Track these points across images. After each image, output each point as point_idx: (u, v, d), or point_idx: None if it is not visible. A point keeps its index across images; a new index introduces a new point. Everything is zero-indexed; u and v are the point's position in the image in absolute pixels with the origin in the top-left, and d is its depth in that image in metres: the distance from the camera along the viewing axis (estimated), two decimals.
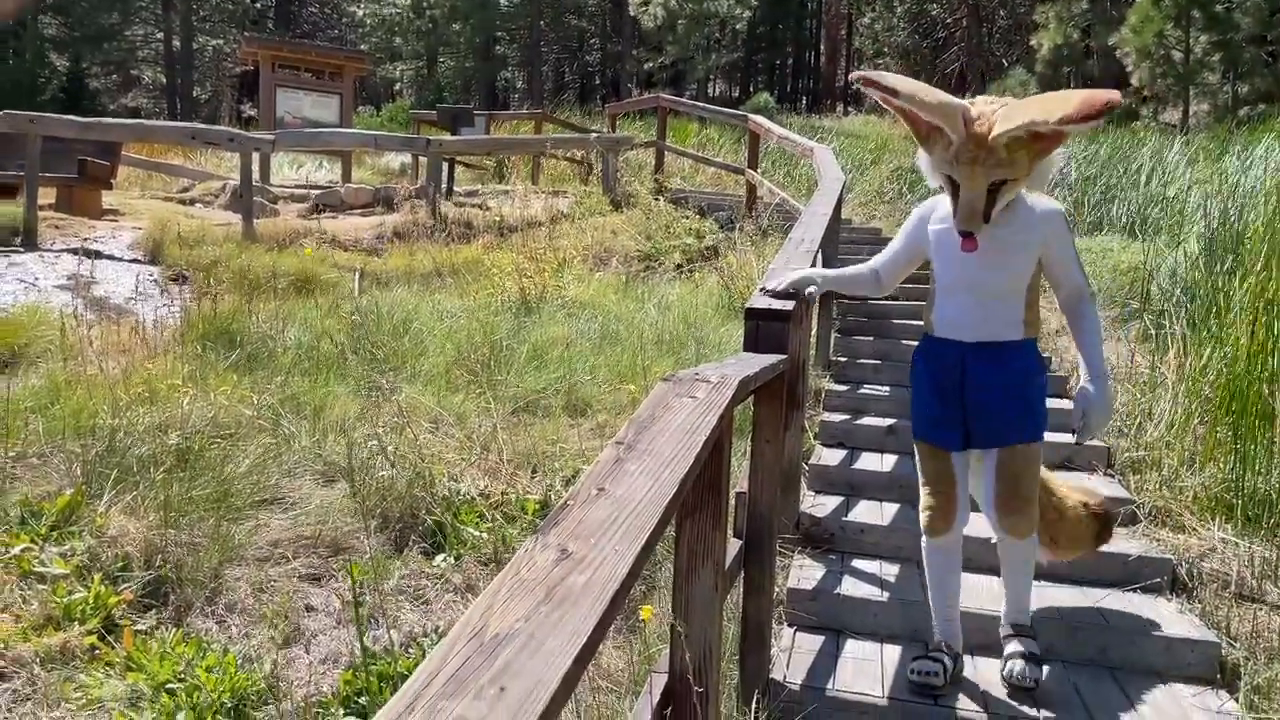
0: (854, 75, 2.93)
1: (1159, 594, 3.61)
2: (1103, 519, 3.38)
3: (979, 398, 2.84)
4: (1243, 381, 4.73)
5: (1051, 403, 3.30)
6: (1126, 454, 4.74)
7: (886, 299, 7.61)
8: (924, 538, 3.02)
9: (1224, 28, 20.85)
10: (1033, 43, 25.35)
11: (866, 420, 5.23)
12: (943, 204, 2.91)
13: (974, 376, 2.83)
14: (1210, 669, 3.15)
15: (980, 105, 2.73)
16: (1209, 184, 9.84)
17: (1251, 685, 3.04)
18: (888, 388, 5.69)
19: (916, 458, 3.04)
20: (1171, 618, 3.40)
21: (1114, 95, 2.47)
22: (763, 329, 3.09)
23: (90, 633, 3.16)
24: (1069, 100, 2.50)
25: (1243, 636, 3.28)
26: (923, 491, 3.00)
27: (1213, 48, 21.67)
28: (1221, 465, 4.31)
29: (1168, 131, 17.31)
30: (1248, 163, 10.72)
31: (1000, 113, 2.64)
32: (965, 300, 2.84)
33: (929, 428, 2.97)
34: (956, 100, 2.72)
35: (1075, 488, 3.46)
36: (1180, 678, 3.15)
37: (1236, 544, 3.84)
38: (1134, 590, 3.62)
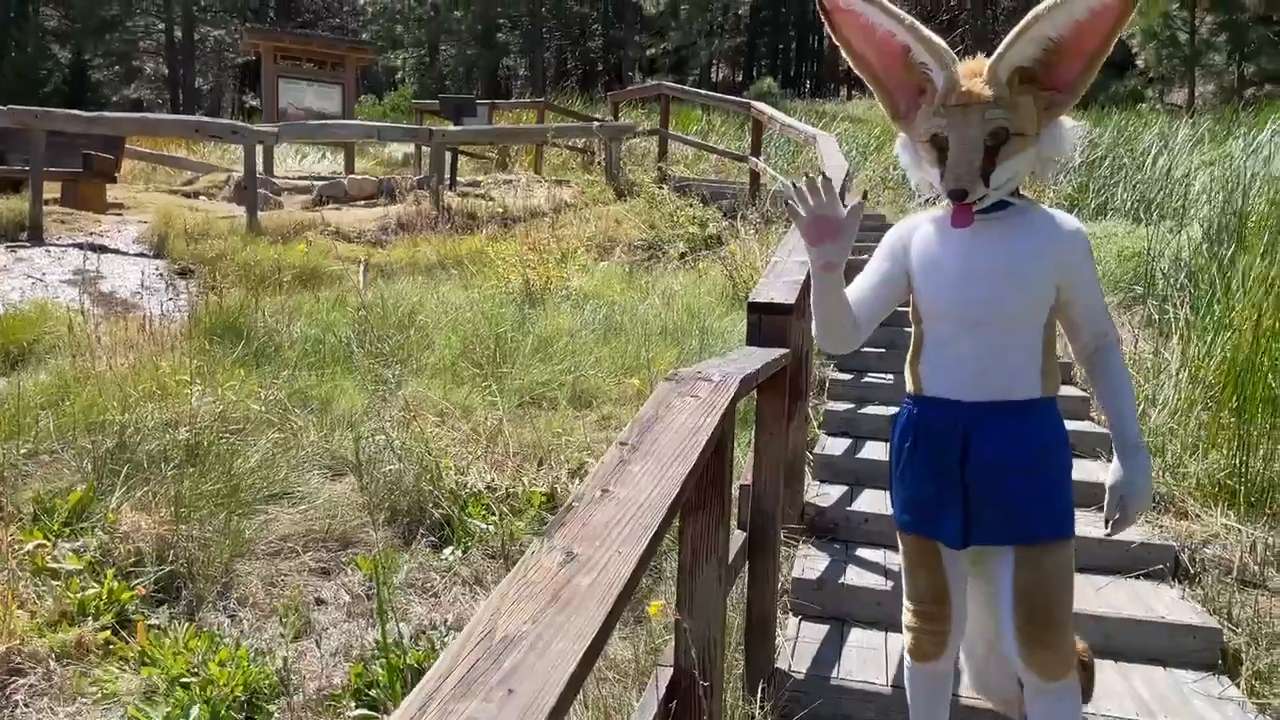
0: None
1: (1161, 580, 3.64)
2: (1087, 667, 2.49)
3: (986, 479, 2.10)
4: (1246, 367, 4.75)
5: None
6: None
7: None
8: (906, 658, 2.38)
9: (1230, 8, 20.75)
10: None
11: (870, 409, 5.25)
12: (924, 219, 2.23)
13: (979, 451, 2.09)
14: (1212, 655, 3.18)
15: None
16: (1214, 167, 9.83)
17: (1253, 671, 3.07)
18: (891, 375, 5.71)
19: (900, 557, 2.33)
20: (1174, 604, 3.42)
21: None
22: (765, 323, 3.10)
23: (104, 628, 3.20)
24: None
25: (1244, 622, 3.31)
26: (906, 604, 2.31)
27: (1219, 28, 21.58)
28: (1224, 451, 4.33)
29: (1174, 113, 17.25)
30: (1253, 145, 10.69)
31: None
32: (963, 340, 2.10)
33: (916, 515, 2.22)
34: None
35: None
36: (1182, 664, 3.17)
37: (1239, 530, 3.86)
38: (1136, 577, 3.65)
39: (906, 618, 2.32)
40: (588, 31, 43.30)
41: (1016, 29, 1.97)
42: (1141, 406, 4.95)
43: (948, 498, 2.14)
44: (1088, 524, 3.19)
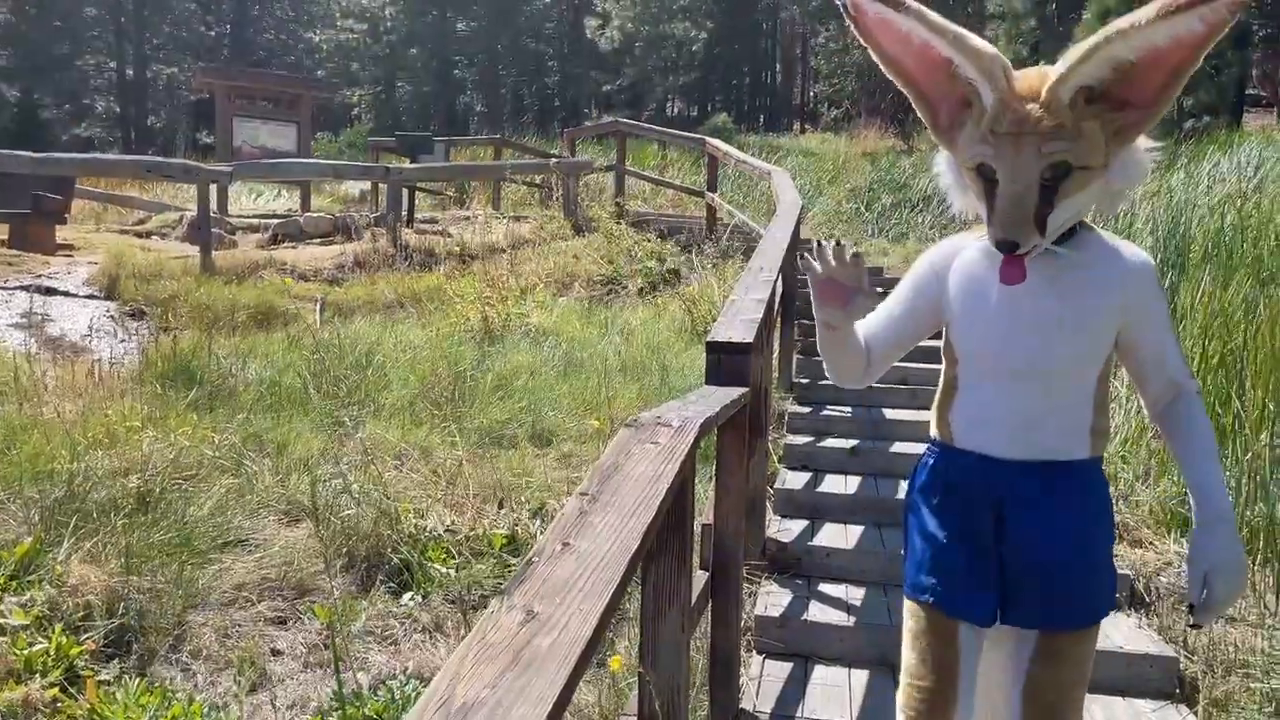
0: None
1: (1118, 610, 3.68)
2: None
3: (1026, 552, 1.81)
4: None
5: None
6: None
7: None
8: None
9: None
10: None
11: (830, 442, 5.29)
12: (969, 242, 1.90)
13: (1019, 519, 1.81)
14: (1170, 684, 3.22)
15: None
16: (1158, 198, 10.07)
17: (1210, 699, 3.11)
18: (850, 408, 5.75)
19: (904, 625, 1.97)
20: (1131, 634, 3.47)
21: None
22: (724, 362, 3.12)
23: (52, 685, 3.11)
24: None
25: (1200, 650, 3.35)
26: (906, 680, 1.93)
27: None
28: (1175, 479, 4.41)
29: None
30: (1194, 176, 10.99)
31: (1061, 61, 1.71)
32: (1006, 392, 1.81)
33: (940, 587, 1.87)
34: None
35: None
36: (1141, 693, 3.21)
37: None
38: None
39: (904, 697, 1.92)
40: (544, 68, 43.59)
41: (1084, 48, 1.63)
42: None
43: (980, 570, 1.83)
44: None
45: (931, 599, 1.88)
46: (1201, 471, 1.78)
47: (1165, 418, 1.86)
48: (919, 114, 1.86)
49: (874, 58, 1.84)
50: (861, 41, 1.83)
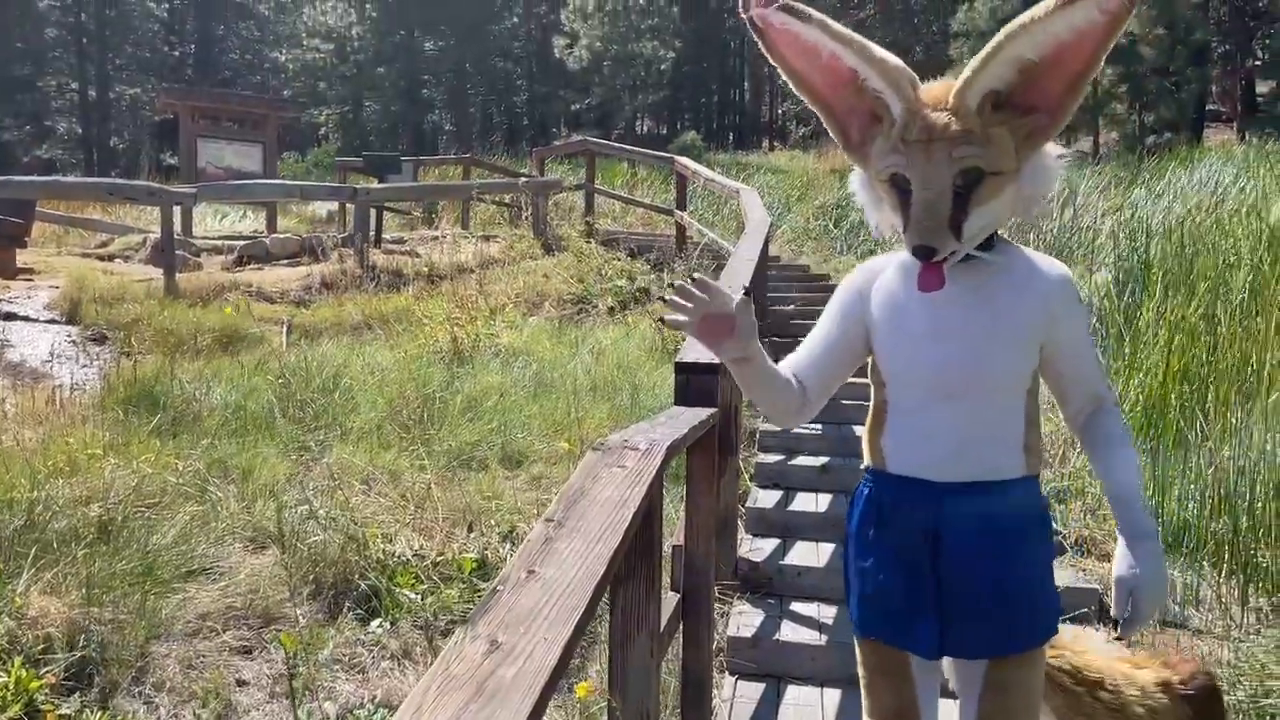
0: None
1: (1087, 624, 3.70)
2: (1205, 699, 2.16)
3: (963, 577, 1.77)
4: (1157, 409, 4.91)
5: None
6: (1051, 484, 4.86)
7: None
8: None
9: (1129, 60, 21.76)
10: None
11: (800, 459, 5.29)
12: (890, 262, 1.88)
13: (955, 543, 1.76)
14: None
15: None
16: (1119, 214, 10.23)
17: None
18: (820, 426, 5.76)
19: (858, 664, 1.94)
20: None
21: None
22: (693, 382, 3.12)
23: None
24: None
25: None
26: (869, 717, 1.92)
27: (1119, 79, 22.61)
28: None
29: (1081, 159, 17.97)
30: (1156, 192, 11.18)
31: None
32: (934, 412, 1.77)
33: (881, 619, 1.85)
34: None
35: (1130, 660, 2.33)
36: None
37: None
38: (1063, 621, 3.70)
39: None
40: (512, 87, 43.64)
41: (987, 49, 1.64)
42: (1061, 450, 5.08)
43: (919, 599, 1.78)
44: None
45: (876, 635, 1.86)
46: (1123, 486, 1.78)
47: (1086, 430, 1.84)
48: (831, 133, 1.85)
49: (783, 75, 1.81)
50: (769, 58, 1.80)
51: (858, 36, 1.69)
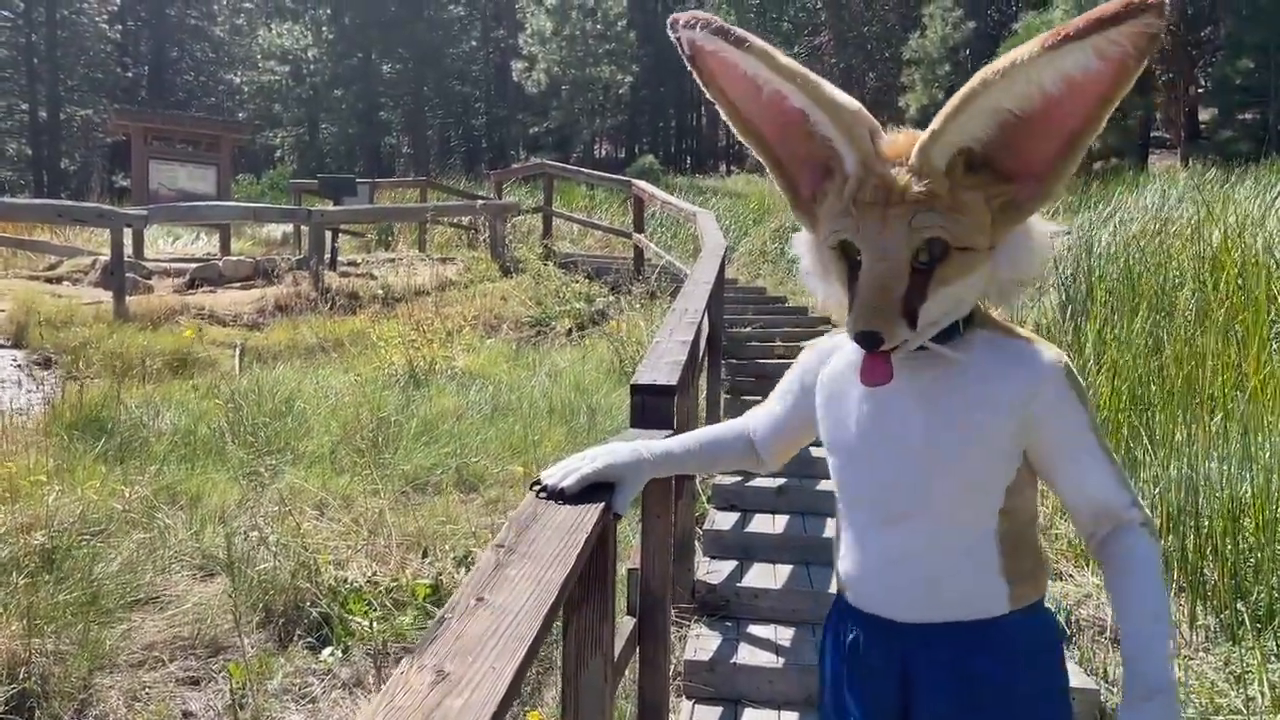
0: (684, 18, 1.44)
1: None
2: None
3: None
4: (1106, 429, 4.99)
5: None
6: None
7: (780, 340, 7.67)
8: None
9: None
10: (900, 104, 26.65)
11: (757, 481, 5.30)
12: (844, 342, 1.55)
13: (930, 698, 1.46)
14: (1091, 716, 3.26)
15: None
16: (1067, 237, 10.43)
17: None
18: None
19: None
20: None
21: None
22: (649, 404, 3.10)
23: None
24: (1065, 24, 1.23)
25: (1120, 680, 3.41)
26: None
27: None
28: None
29: None
30: (1102, 216, 11.42)
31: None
32: (887, 536, 1.47)
33: None
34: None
35: None
36: None
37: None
38: None
39: None
40: (471, 110, 43.65)
41: (958, 96, 1.30)
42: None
43: None
44: None
45: None
46: (1140, 617, 1.37)
47: (1100, 554, 1.46)
48: (778, 185, 1.54)
49: (721, 112, 1.51)
50: (706, 92, 1.51)
51: (807, 72, 1.38)
